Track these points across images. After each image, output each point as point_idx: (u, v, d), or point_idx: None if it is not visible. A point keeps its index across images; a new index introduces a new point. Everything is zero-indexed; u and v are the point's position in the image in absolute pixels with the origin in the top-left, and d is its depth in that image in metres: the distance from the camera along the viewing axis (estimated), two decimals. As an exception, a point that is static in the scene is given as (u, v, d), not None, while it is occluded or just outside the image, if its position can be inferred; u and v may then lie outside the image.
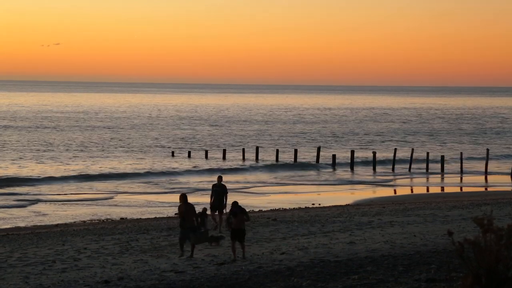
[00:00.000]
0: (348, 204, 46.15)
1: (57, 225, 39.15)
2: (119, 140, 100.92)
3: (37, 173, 64.28)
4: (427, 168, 69.96)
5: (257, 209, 43.83)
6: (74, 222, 40.77)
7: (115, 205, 48.19)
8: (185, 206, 24.45)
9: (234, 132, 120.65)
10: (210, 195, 30.95)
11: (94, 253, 26.30)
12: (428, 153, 72.46)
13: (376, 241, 26.05)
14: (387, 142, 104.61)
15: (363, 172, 69.64)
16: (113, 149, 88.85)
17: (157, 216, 41.50)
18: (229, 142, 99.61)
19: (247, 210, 24.83)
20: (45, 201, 50.01)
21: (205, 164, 73.47)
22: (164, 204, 46.62)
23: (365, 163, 75.29)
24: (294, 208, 44.33)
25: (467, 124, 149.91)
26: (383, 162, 74.40)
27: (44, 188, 56.34)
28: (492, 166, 72.14)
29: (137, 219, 40.88)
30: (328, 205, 45.56)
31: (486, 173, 68.30)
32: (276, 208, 44.56)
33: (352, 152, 74.61)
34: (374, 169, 70.97)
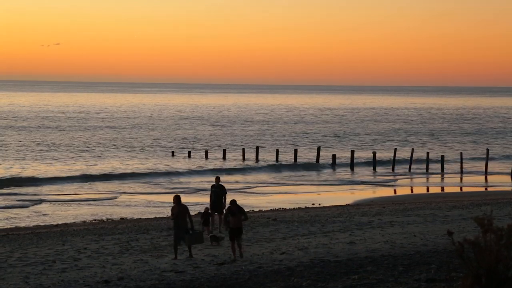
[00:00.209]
0: (348, 204, 46.15)
1: (57, 225, 39.16)
2: (121, 140, 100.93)
3: (40, 174, 64.27)
4: (427, 168, 69.97)
5: (257, 209, 43.83)
6: (74, 222, 40.78)
7: (116, 205, 48.21)
8: (178, 207, 24.38)
9: (234, 132, 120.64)
10: (209, 196, 30.92)
11: (94, 253, 26.30)
12: (428, 153, 72.47)
13: (376, 241, 26.05)
14: (387, 142, 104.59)
15: (363, 172, 69.64)
16: (114, 149, 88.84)
17: (157, 216, 41.49)
18: (229, 142, 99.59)
19: (247, 210, 24.86)
20: (49, 201, 50.02)
21: (205, 164, 73.46)
22: (165, 204, 46.57)
23: (365, 163, 75.31)
24: (294, 208, 44.33)
25: (467, 124, 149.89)
26: (383, 162, 74.40)
27: (47, 189, 56.33)
28: (492, 166, 72.13)
29: (137, 219, 40.88)
30: (328, 205, 45.55)
31: (486, 173, 68.30)
32: (276, 208, 44.56)
33: (352, 152, 74.61)
34: (374, 169, 70.97)
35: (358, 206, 44.30)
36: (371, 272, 18.94)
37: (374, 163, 71.76)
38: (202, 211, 30.44)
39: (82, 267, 23.34)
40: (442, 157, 72.39)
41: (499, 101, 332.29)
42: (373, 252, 23.32)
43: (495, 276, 9.99)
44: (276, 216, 36.60)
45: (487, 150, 72.88)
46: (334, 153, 76.63)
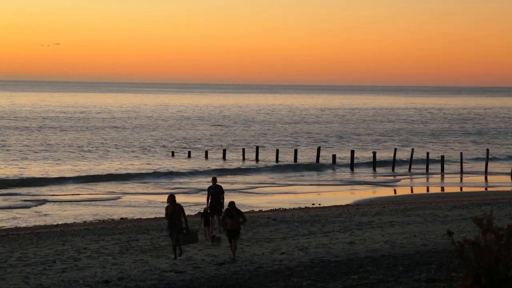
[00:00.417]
0: (348, 204, 46.15)
1: (57, 225, 39.16)
2: (122, 140, 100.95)
3: (42, 174, 64.27)
4: (427, 168, 69.98)
5: (257, 209, 43.81)
6: (74, 222, 40.79)
7: (116, 205, 48.23)
8: (172, 207, 24.34)
9: (234, 132, 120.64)
10: (206, 197, 30.73)
11: (94, 253, 26.29)
12: (428, 153, 72.49)
13: (376, 241, 26.05)
14: (387, 142, 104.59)
15: (363, 172, 69.65)
16: (114, 149, 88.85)
17: (157, 216, 41.49)
18: (230, 142, 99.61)
19: (247, 210, 24.85)
20: (52, 201, 50.00)
21: (205, 164, 73.47)
22: (165, 204, 46.50)
23: (365, 163, 75.32)
24: (294, 208, 44.32)
25: (467, 124, 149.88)
26: (383, 162, 74.39)
27: (49, 189, 56.30)
28: (492, 166, 72.14)
29: (137, 219, 40.89)
30: (328, 205, 45.55)
31: (486, 173, 68.30)
32: (276, 208, 44.55)
33: (352, 152, 74.62)
34: (374, 169, 70.98)
35: (358, 206, 44.30)
36: (371, 272, 18.93)
37: (374, 163, 71.77)
38: (202, 211, 30.39)
39: (82, 267, 23.34)
40: (442, 157, 72.41)
41: (499, 101, 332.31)
42: (373, 252, 23.32)
43: (495, 276, 9.99)
44: (276, 216, 36.60)
45: (487, 150, 72.91)
46: (334, 153, 76.64)
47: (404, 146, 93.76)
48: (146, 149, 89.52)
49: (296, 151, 77.53)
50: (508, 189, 58.20)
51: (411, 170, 70.38)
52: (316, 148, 79.88)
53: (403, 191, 57.85)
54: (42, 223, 40.73)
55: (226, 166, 71.86)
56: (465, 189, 59.30)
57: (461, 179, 66.30)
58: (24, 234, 33.85)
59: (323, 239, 27.39)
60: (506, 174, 67.55)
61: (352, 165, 72.57)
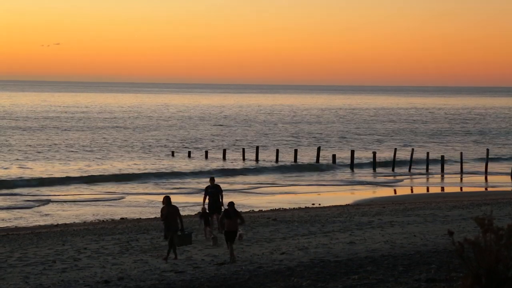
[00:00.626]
0: (348, 204, 46.14)
1: (57, 225, 39.15)
2: (123, 140, 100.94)
3: (44, 174, 64.26)
4: (427, 168, 69.97)
5: (257, 209, 43.80)
6: (74, 222, 40.79)
7: (116, 205, 48.23)
8: (168, 208, 24.30)
9: (234, 131, 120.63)
10: (203, 197, 30.51)
11: (94, 253, 26.29)
12: (428, 153, 72.49)
13: (376, 241, 26.05)
14: (387, 142, 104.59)
15: (363, 172, 69.64)
16: (115, 149, 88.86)
17: (157, 216, 41.46)
18: (230, 142, 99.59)
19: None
20: (54, 201, 49.98)
21: (205, 165, 73.46)
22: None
23: (365, 163, 75.32)
24: (294, 208, 44.31)
25: (467, 124, 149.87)
26: (383, 162, 74.39)
27: (51, 189, 56.26)
28: (492, 166, 72.13)
29: (137, 219, 40.90)
30: (328, 205, 45.55)
31: (486, 173, 68.30)
32: (276, 208, 44.54)
33: (352, 152, 74.61)
34: (374, 169, 70.97)
35: (358, 206, 44.30)
36: (371, 272, 18.93)
37: (374, 163, 71.76)
38: (201, 212, 30.35)
39: (82, 267, 23.33)
40: (442, 157, 72.41)
41: (499, 101, 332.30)
42: (373, 252, 23.31)
43: (495, 276, 9.99)
44: (276, 216, 36.59)
45: (487, 150, 72.91)
46: (334, 153, 76.63)
47: (404, 146, 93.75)
48: (147, 149, 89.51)
49: (296, 151, 77.53)
50: (508, 189, 58.18)
51: (411, 170, 70.38)
52: (316, 148, 79.84)
53: (403, 191, 57.84)
54: (42, 223, 40.73)
55: (226, 166, 71.86)
56: (465, 189, 59.29)
57: (461, 179, 66.30)
58: (24, 234, 33.85)
59: (323, 239, 27.39)
60: (506, 174, 67.53)
61: (352, 165, 72.56)
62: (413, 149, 74.63)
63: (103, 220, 41.07)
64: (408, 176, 67.58)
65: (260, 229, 31.13)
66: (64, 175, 63.35)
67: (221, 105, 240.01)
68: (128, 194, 54.12)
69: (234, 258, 22.92)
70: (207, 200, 29.96)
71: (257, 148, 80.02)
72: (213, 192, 30.12)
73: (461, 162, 71.08)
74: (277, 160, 75.58)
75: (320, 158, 75.23)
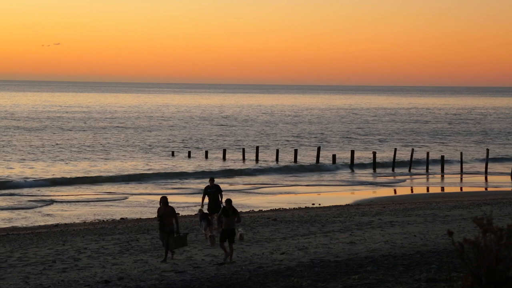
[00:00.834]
0: (348, 204, 46.14)
1: (57, 225, 39.15)
2: (124, 140, 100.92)
3: (45, 174, 64.24)
4: (427, 168, 69.97)
5: (257, 209, 43.79)
6: (74, 222, 40.79)
7: (116, 205, 48.23)
8: (164, 208, 24.26)
9: (234, 132, 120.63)
10: (202, 197, 30.46)
11: (94, 253, 26.28)
12: (428, 153, 72.48)
13: (376, 241, 26.04)
14: (387, 142, 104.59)
15: (363, 172, 69.64)
16: (117, 149, 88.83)
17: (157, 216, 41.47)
18: (230, 142, 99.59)
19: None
20: (56, 202, 49.97)
21: (205, 165, 73.46)
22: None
23: (365, 163, 75.33)
24: (294, 208, 44.30)
25: (467, 124, 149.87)
26: (383, 162, 74.39)
27: (52, 189, 56.24)
28: (492, 166, 72.12)
29: (137, 219, 40.89)
30: (328, 205, 45.54)
31: (486, 173, 68.29)
32: (276, 208, 44.53)
33: (352, 152, 74.62)
34: (374, 169, 70.96)
35: (358, 206, 44.29)
36: (371, 272, 18.93)
37: (374, 163, 71.76)
38: (200, 213, 30.29)
39: (82, 267, 23.33)
40: (442, 157, 72.41)
41: (499, 101, 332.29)
42: (373, 252, 23.31)
43: (495, 276, 9.99)
44: (276, 216, 36.58)
45: (487, 150, 72.91)
46: (334, 153, 76.64)
47: (404, 146, 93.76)
48: (147, 149, 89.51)
49: (296, 151, 77.55)
50: (508, 189, 58.18)
51: (411, 170, 70.37)
52: (316, 148, 79.84)
53: (403, 191, 57.83)
54: (42, 223, 40.73)
55: (226, 166, 71.85)
56: (465, 189, 59.27)
57: (461, 179, 66.28)
58: (24, 234, 33.83)
59: (323, 239, 27.38)
60: (506, 174, 67.54)
61: (352, 165, 72.57)
62: (413, 149, 74.65)
63: (103, 220, 41.06)
64: (408, 176, 67.57)
65: (260, 229, 31.13)
66: (66, 175, 63.36)
67: (221, 105, 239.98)
68: (128, 194, 54.11)
69: (231, 257, 22.88)
70: (206, 200, 29.94)
71: (257, 148, 80.00)
72: (213, 192, 30.08)
73: (461, 162, 71.08)
74: (277, 160, 75.59)
75: (320, 158, 75.23)
